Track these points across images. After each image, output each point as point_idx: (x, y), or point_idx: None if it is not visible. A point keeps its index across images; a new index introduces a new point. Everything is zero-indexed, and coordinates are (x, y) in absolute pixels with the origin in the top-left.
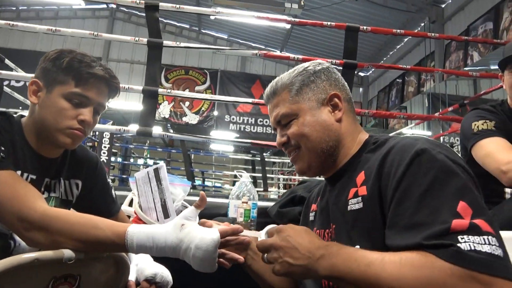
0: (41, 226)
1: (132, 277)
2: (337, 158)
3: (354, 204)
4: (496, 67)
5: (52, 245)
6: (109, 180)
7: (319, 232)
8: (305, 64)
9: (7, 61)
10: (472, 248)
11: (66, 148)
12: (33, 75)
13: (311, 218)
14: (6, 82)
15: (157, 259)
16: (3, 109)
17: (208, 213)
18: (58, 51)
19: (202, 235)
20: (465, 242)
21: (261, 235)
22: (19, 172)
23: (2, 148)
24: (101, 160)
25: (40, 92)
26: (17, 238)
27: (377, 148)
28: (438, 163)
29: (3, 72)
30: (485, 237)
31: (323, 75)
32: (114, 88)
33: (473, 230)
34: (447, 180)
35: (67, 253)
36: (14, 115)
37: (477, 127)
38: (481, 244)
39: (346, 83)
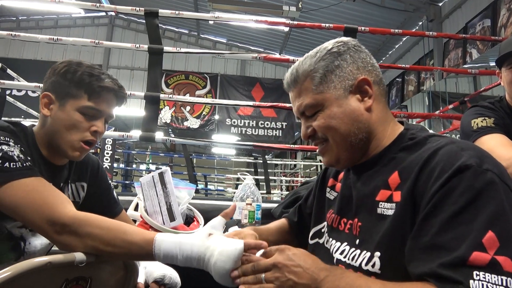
0: (71, 229)
1: (141, 279)
2: (367, 150)
3: (388, 209)
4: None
5: (83, 249)
6: (110, 182)
7: (334, 217)
8: (328, 46)
9: (8, 71)
10: None
11: (72, 160)
12: (35, 84)
13: (329, 195)
14: (7, 92)
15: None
16: (15, 120)
17: (212, 216)
18: (66, 64)
19: (227, 243)
20: (479, 280)
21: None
22: None
23: (28, 158)
24: (104, 166)
25: (52, 104)
26: (27, 237)
27: (415, 147)
28: (480, 184)
29: (6, 82)
30: (504, 278)
31: (349, 57)
32: (122, 98)
33: (493, 267)
34: (483, 205)
35: (79, 256)
36: (27, 125)
37: (477, 124)
38: (497, 285)
39: (375, 61)
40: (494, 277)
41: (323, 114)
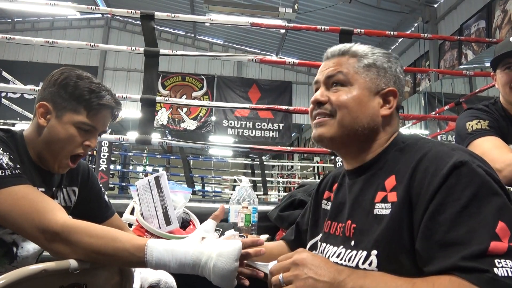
0: (62, 237)
1: (136, 285)
2: (364, 150)
3: (382, 209)
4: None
5: (74, 256)
6: (101, 185)
7: (330, 224)
8: (387, 51)
9: (4, 73)
10: (509, 274)
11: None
12: (30, 87)
13: (324, 206)
14: (3, 94)
15: None
16: (6, 126)
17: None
18: (66, 76)
19: (225, 244)
20: (502, 267)
21: (270, 264)
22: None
23: (18, 166)
24: (101, 168)
25: (49, 115)
26: (19, 242)
27: (407, 148)
28: (478, 178)
29: (1, 84)
30: None
31: (397, 69)
32: (117, 114)
33: (511, 254)
34: (487, 198)
35: (73, 263)
36: (17, 131)
37: (471, 126)
38: None
39: (404, 89)
40: None
41: (347, 91)
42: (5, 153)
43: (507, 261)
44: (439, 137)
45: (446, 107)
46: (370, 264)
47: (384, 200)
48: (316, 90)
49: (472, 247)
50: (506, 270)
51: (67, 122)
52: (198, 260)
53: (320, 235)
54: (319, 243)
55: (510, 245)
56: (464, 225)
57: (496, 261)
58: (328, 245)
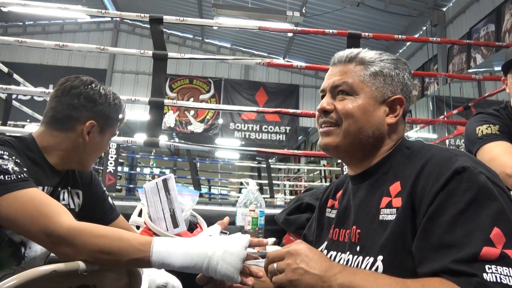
0: (68, 240)
1: (144, 287)
2: (368, 157)
3: (387, 215)
4: (500, 68)
5: (81, 258)
6: (104, 188)
7: (338, 231)
8: (395, 57)
9: (15, 76)
10: (498, 280)
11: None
12: (41, 89)
13: (328, 214)
14: (14, 96)
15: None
16: (16, 128)
17: (215, 222)
18: (104, 93)
19: (233, 236)
20: (491, 272)
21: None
22: (40, 188)
23: (25, 169)
24: (108, 170)
25: (92, 131)
26: (27, 242)
27: (412, 155)
28: (478, 184)
29: (12, 87)
30: None
31: (405, 76)
32: None
33: (503, 260)
34: (485, 204)
35: (83, 264)
36: (26, 136)
37: (481, 131)
38: (509, 276)
39: (412, 94)
40: (506, 269)
41: (353, 100)
42: (10, 158)
43: (498, 267)
44: (447, 141)
45: (455, 111)
46: (376, 270)
47: (389, 205)
48: (323, 97)
49: (464, 251)
50: (496, 276)
51: (108, 137)
52: (205, 251)
53: (325, 243)
54: (325, 252)
55: (503, 252)
56: (460, 229)
57: (486, 266)
58: (336, 252)
